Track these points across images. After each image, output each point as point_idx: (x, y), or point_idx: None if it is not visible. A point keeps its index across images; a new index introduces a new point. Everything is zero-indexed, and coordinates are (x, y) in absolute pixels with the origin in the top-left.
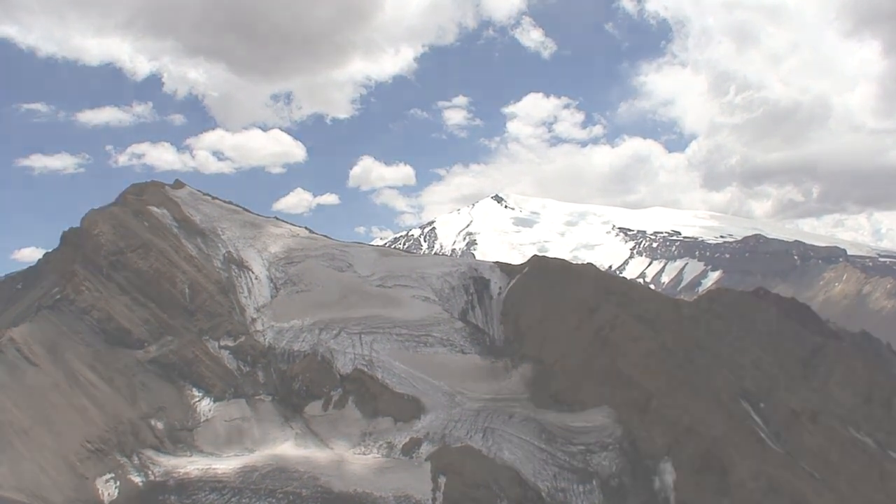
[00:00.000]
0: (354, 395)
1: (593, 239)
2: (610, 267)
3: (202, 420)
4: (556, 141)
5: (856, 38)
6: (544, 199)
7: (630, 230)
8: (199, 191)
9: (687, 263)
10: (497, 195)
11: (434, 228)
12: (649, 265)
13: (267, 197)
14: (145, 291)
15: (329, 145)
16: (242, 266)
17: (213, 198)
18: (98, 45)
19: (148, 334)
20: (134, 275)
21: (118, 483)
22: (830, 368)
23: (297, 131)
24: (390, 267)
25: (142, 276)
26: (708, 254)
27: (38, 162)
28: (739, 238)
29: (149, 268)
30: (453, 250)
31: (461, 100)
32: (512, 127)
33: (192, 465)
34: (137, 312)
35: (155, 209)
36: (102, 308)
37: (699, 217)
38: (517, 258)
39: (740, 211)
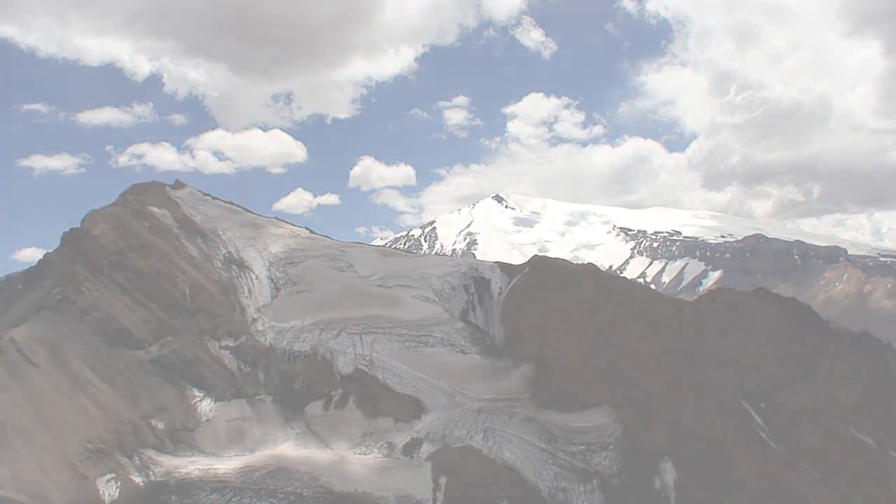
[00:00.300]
0: (355, 395)
1: (594, 239)
2: (610, 267)
3: (203, 420)
4: (557, 141)
5: (856, 38)
6: (544, 199)
7: (630, 230)
8: (199, 191)
9: (687, 263)
10: (497, 195)
11: (434, 228)
12: (650, 265)
13: (267, 197)
14: (146, 292)
15: (329, 145)
16: (243, 266)
17: (214, 198)
18: (98, 45)
19: (148, 334)
20: (134, 275)
21: (119, 483)
22: (831, 368)
23: (298, 131)
24: (391, 267)
25: (142, 276)
26: (708, 254)
27: (39, 162)
28: (740, 238)
29: (149, 268)
30: (454, 250)
31: (461, 100)
32: (512, 127)
33: (192, 466)
34: (138, 313)
35: (155, 209)
36: (103, 308)
37: (699, 217)
38: (517, 258)
39: (741, 211)
